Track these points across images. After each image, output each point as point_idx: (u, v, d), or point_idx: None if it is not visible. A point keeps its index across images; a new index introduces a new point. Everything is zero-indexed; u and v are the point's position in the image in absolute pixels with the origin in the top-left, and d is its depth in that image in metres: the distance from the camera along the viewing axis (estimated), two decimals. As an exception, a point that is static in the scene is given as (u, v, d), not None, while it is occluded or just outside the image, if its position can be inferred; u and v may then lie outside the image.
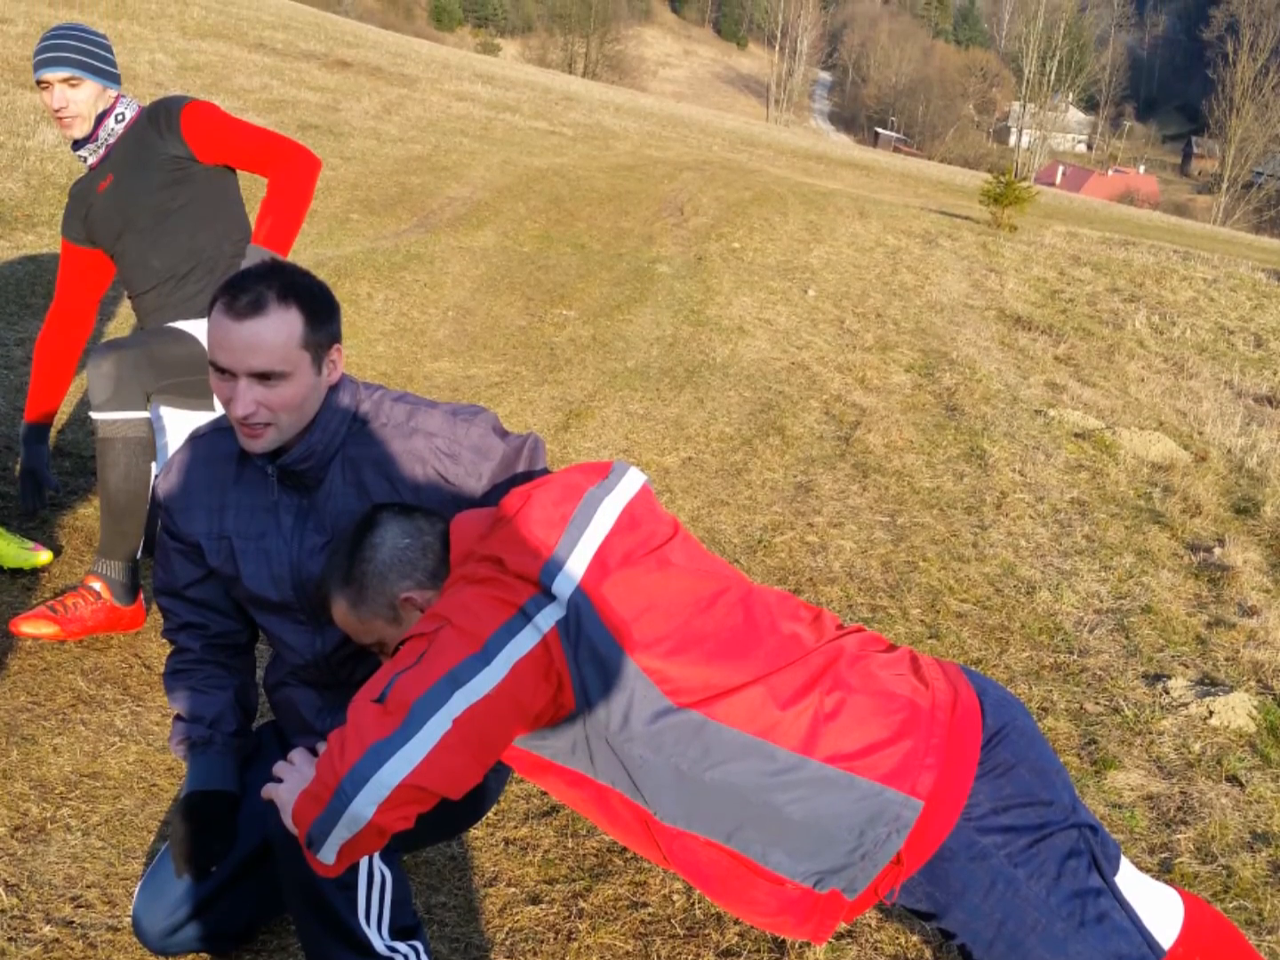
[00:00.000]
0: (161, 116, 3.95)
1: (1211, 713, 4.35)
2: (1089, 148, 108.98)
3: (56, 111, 3.92)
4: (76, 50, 3.88)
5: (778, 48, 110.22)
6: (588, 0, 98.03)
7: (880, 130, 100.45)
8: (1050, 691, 4.45)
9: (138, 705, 3.73)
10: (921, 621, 4.91)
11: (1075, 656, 4.73)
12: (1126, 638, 4.94)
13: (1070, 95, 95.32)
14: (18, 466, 4.18)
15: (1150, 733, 4.23)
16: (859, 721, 2.07)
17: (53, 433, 4.86)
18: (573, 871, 3.23)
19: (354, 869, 2.32)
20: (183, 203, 4.00)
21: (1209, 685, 4.58)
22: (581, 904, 3.10)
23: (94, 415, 3.78)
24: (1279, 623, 5.12)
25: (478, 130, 18.86)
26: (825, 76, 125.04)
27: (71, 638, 3.92)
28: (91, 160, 4.07)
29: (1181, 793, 3.89)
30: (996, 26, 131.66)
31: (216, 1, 25.59)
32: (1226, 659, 4.83)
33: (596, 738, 2.09)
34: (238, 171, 4.14)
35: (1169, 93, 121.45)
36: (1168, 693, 4.50)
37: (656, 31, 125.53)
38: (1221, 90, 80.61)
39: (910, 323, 10.50)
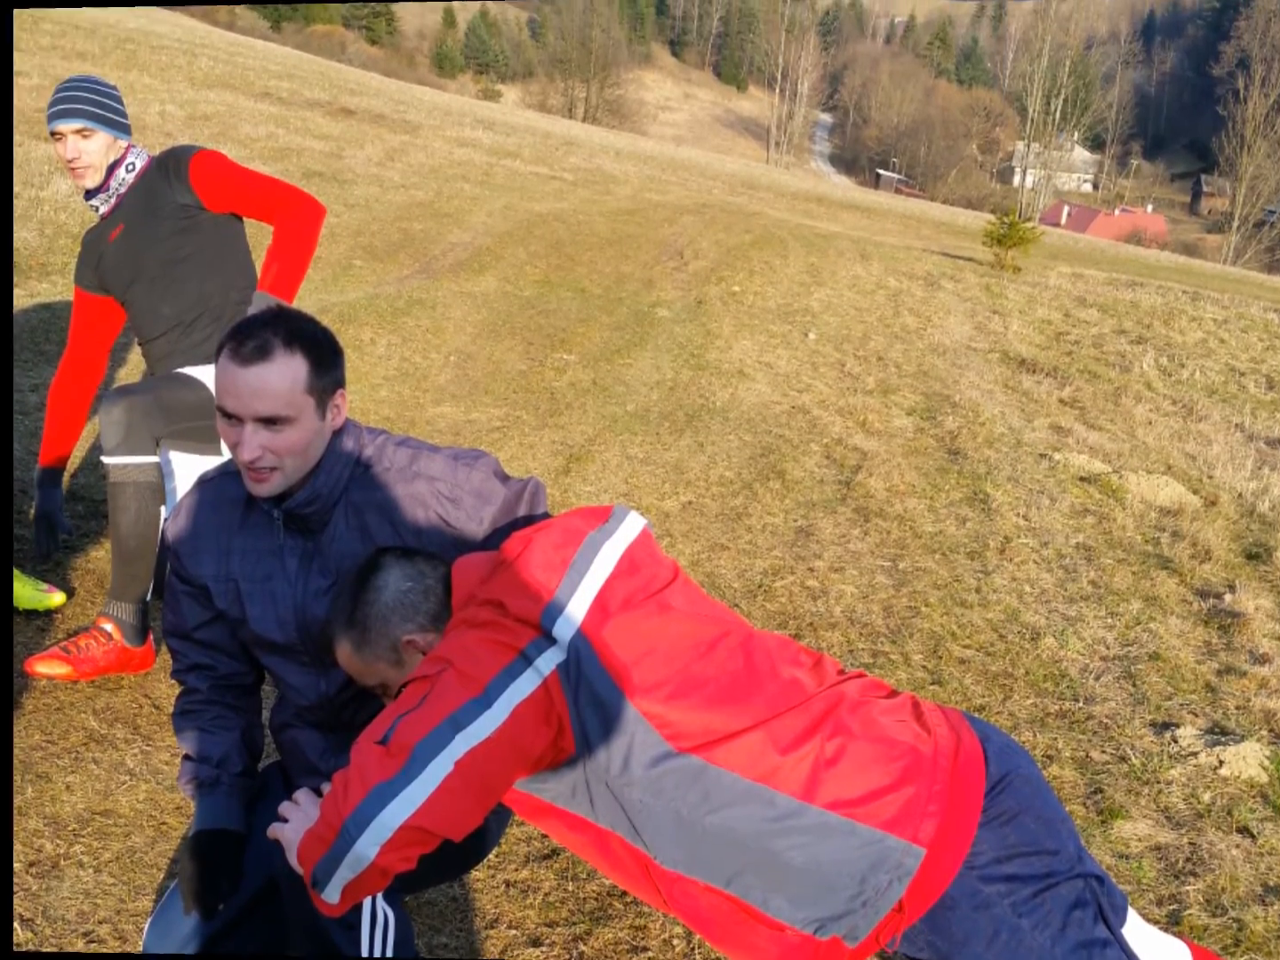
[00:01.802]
0: (170, 166, 4.02)
1: (1222, 762, 4.31)
2: (1095, 187, 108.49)
3: (69, 162, 3.99)
4: (89, 102, 3.95)
5: (778, 90, 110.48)
6: (588, 45, 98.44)
7: (882, 171, 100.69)
8: (1055, 739, 4.43)
9: (148, 744, 3.75)
10: (924, 667, 4.91)
11: (1081, 704, 4.71)
12: (1134, 685, 4.91)
13: (1076, 134, 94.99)
14: (33, 510, 4.25)
15: (1158, 782, 4.20)
16: (860, 768, 2.06)
17: (66, 477, 4.91)
18: (573, 914, 3.23)
19: (358, 909, 2.33)
20: (191, 251, 4.06)
21: (1219, 734, 4.55)
22: (582, 947, 3.10)
23: (105, 460, 3.85)
24: (1290, 670, 5.09)
25: (479, 176, 18.97)
26: (826, 118, 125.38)
27: (84, 678, 3.97)
28: (103, 209, 4.13)
29: (1191, 843, 3.85)
30: (1000, 65, 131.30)
31: (223, 52, 25.89)
32: (1237, 707, 4.79)
33: (597, 781, 2.09)
34: (244, 219, 4.20)
35: (1177, 130, 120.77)
36: (1176, 741, 4.47)
37: (656, 75, 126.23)
38: (1232, 127, 79.66)
39: (912, 366, 10.53)
